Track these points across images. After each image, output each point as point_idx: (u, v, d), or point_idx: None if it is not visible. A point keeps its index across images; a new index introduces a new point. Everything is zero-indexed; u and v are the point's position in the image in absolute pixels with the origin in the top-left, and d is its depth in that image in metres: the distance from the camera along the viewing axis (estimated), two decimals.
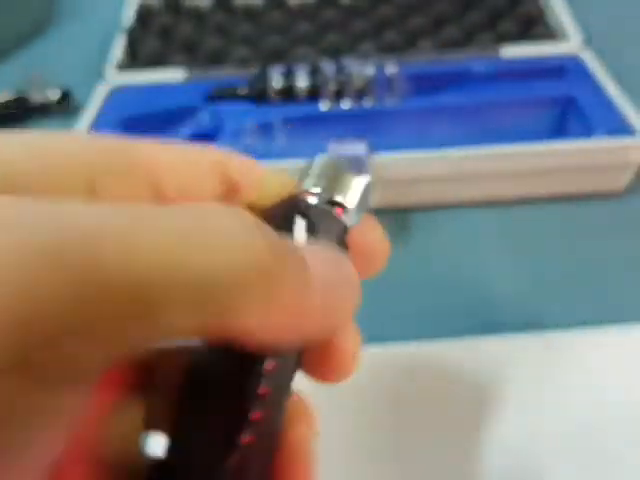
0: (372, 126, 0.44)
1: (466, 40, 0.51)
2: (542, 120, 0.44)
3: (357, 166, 0.39)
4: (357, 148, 0.40)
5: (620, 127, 0.40)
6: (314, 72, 0.46)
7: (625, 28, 0.55)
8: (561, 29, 0.51)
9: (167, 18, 0.56)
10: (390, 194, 0.41)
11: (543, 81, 0.46)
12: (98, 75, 0.50)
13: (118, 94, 0.48)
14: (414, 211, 0.41)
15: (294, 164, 0.39)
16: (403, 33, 0.52)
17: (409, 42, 0.51)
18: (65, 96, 0.52)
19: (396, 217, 0.41)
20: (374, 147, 0.40)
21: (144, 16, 0.56)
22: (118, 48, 0.53)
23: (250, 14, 0.56)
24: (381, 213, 0.40)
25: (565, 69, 0.46)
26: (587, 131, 0.41)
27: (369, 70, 0.44)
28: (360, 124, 0.44)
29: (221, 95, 0.46)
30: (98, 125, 0.45)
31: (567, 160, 0.39)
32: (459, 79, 0.47)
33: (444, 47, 0.50)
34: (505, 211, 0.40)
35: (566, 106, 0.44)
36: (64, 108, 0.52)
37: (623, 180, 0.40)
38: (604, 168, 0.39)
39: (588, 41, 0.49)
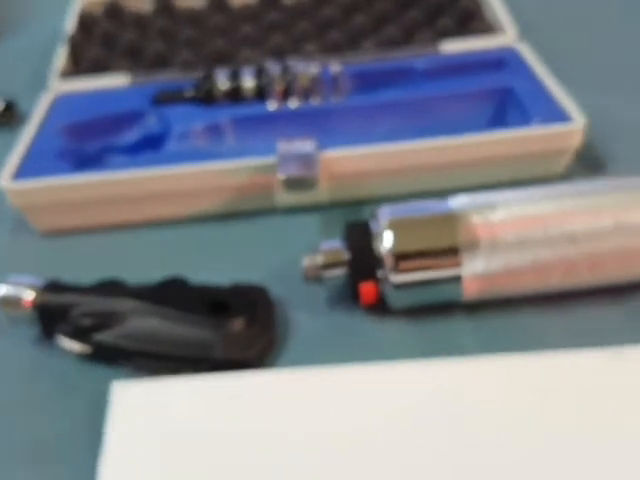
0: (319, 124, 0.45)
1: (406, 38, 0.52)
2: (482, 112, 0.46)
3: (307, 163, 0.39)
4: (306, 146, 0.40)
5: (556, 115, 0.42)
6: (260, 73, 0.46)
7: (559, 18, 0.57)
8: (497, 23, 0.52)
9: (109, 24, 0.55)
10: (340, 188, 0.41)
11: (481, 74, 0.47)
12: (43, 85, 0.50)
13: (62, 102, 0.48)
14: (364, 204, 0.42)
15: (244, 164, 0.40)
16: (346, 33, 0.53)
17: (352, 41, 0.52)
18: (9, 107, 0.52)
19: (347, 211, 0.42)
20: (322, 144, 0.41)
21: (86, 23, 0.56)
22: (61, 56, 0.52)
23: (192, 18, 0.57)
24: (332, 207, 0.42)
25: (502, 62, 0.48)
26: (525, 120, 0.42)
27: (314, 69, 0.45)
28: (307, 122, 0.45)
29: (167, 98, 0.46)
30: (43, 134, 0.45)
31: (507, 148, 0.40)
32: (401, 76, 0.48)
33: (385, 45, 0.51)
34: None
35: (504, 97, 0.45)
36: (9, 119, 0.51)
37: (562, 164, 0.42)
38: (543, 154, 0.41)
39: (523, 33, 0.51)
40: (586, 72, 0.50)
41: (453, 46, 0.50)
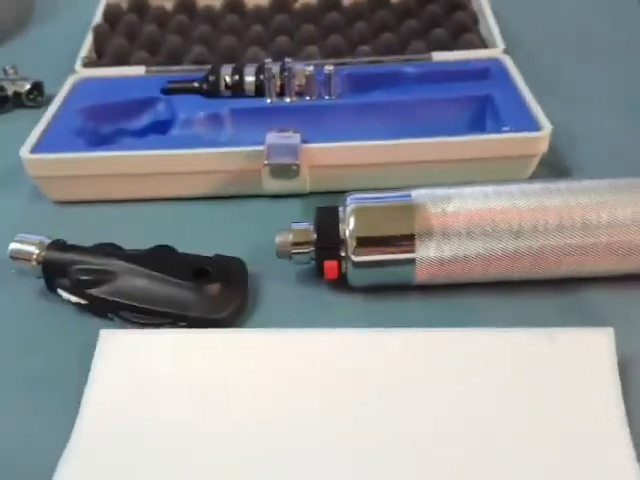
0: (311, 119, 0.49)
1: (402, 46, 0.56)
2: (463, 116, 0.49)
3: (291, 153, 0.44)
4: (292, 138, 0.45)
5: (526, 122, 0.45)
6: (260, 70, 0.50)
7: (542, 35, 0.61)
8: (489, 36, 0.56)
9: (132, 18, 0.60)
10: (321, 179, 0.46)
11: (466, 82, 0.51)
12: (70, 70, 0.55)
13: (83, 86, 0.53)
14: (343, 194, 0.45)
15: (236, 151, 0.44)
16: (346, 38, 0.57)
17: (351, 47, 0.56)
18: (35, 88, 0.57)
19: (326, 199, 0.46)
20: (309, 138, 0.45)
21: (111, 16, 0.61)
22: (86, 45, 0.57)
23: (209, 16, 0.61)
24: (313, 195, 0.46)
25: (487, 72, 0.52)
26: (499, 126, 0.46)
27: (309, 69, 0.49)
28: (300, 117, 0.49)
29: (175, 89, 0.51)
30: (64, 114, 0.50)
31: (477, 152, 0.44)
32: (392, 80, 0.52)
33: (381, 52, 0.55)
34: None
35: (484, 104, 0.49)
36: (37, 99, 0.57)
37: (528, 169, 0.46)
38: (511, 159, 0.44)
39: (509, 46, 0.54)
40: (562, 85, 0.54)
41: (444, 56, 0.54)
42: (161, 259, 0.37)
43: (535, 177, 0.46)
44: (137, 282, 0.35)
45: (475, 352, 0.32)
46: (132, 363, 0.33)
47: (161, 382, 0.32)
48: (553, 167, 0.47)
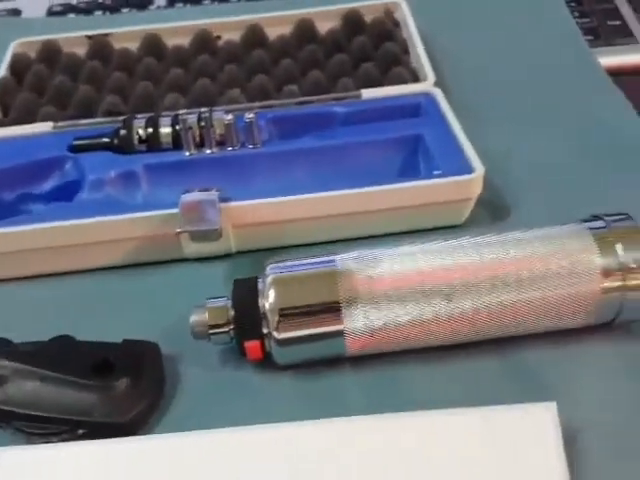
0: (235, 171, 0.46)
1: (330, 84, 0.53)
2: (395, 159, 0.46)
3: (210, 213, 0.40)
4: (209, 197, 0.41)
5: (460, 165, 0.42)
6: (176, 121, 0.47)
7: (473, 65, 0.58)
8: (419, 71, 0.54)
9: (41, 68, 0.56)
10: (246, 237, 0.42)
11: (398, 120, 0.48)
12: None
13: None
14: (273, 251, 0.42)
15: (150, 216, 0.41)
16: (273, 78, 0.54)
17: (277, 87, 0.53)
18: None
19: (256, 258, 0.42)
20: (233, 195, 0.41)
21: (18, 67, 0.56)
22: None
23: (125, 61, 0.57)
24: (242, 255, 0.42)
25: (418, 107, 0.49)
26: (432, 168, 0.43)
27: (228, 117, 0.46)
28: (223, 170, 0.46)
29: (84, 146, 0.47)
30: None
31: (407, 199, 0.41)
32: (321, 121, 0.49)
33: (310, 91, 0.52)
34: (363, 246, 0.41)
35: (416, 144, 0.46)
36: None
37: (463, 213, 0.43)
38: (443, 204, 0.42)
39: (441, 81, 0.52)
40: (498, 117, 0.51)
41: (374, 93, 0.51)
42: (58, 354, 0.33)
43: (472, 219, 0.43)
44: (29, 385, 0.31)
45: (409, 440, 0.29)
46: None
47: None
48: (490, 206, 0.44)
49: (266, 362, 0.34)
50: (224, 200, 0.41)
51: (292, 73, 0.55)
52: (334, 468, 0.29)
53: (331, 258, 0.34)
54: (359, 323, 0.33)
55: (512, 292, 0.33)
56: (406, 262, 0.33)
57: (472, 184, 0.41)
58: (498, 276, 0.32)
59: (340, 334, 0.33)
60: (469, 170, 0.42)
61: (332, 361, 0.34)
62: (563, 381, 0.33)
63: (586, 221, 0.35)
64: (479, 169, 0.41)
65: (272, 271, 0.34)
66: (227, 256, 0.43)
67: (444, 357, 0.35)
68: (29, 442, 0.31)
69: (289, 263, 0.35)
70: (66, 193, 0.45)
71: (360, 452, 0.29)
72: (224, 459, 0.29)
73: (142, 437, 0.31)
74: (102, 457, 0.29)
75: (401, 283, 0.33)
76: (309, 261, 0.35)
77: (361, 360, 0.34)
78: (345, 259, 0.34)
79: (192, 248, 0.41)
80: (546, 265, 0.32)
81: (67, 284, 0.41)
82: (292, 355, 0.34)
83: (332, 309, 0.33)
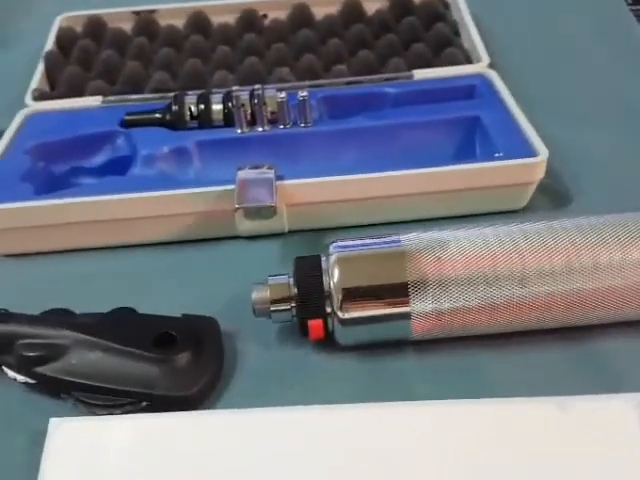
0: (286, 149, 0.45)
1: (380, 65, 0.52)
2: (450, 140, 0.45)
3: (265, 193, 0.39)
4: (265, 175, 0.40)
5: (519, 147, 0.41)
6: (228, 97, 0.46)
7: (531, 48, 0.57)
8: (472, 50, 0.52)
9: (87, 42, 0.56)
10: (300, 217, 0.41)
11: (452, 101, 0.47)
12: (21, 104, 0.50)
13: (32, 122, 0.48)
14: (325, 231, 0.41)
15: (205, 192, 0.40)
16: (321, 58, 0.53)
17: (326, 67, 0.52)
18: None
19: (308, 237, 0.42)
20: (283, 173, 0.41)
21: (64, 42, 0.56)
22: (37, 76, 0.52)
23: (171, 37, 0.57)
24: (293, 234, 0.42)
25: (473, 89, 0.48)
26: (491, 150, 0.42)
27: (281, 95, 0.45)
28: (274, 148, 0.45)
29: (135, 121, 0.46)
30: (11, 154, 0.45)
31: (469, 182, 0.40)
32: (372, 102, 0.48)
33: (359, 72, 0.51)
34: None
35: (472, 126, 0.45)
36: None
37: (525, 198, 0.42)
38: (505, 188, 0.41)
39: (495, 60, 0.50)
40: (555, 102, 0.50)
41: (426, 74, 0.50)
42: (119, 326, 0.32)
43: (532, 205, 0.42)
44: (91, 356, 0.30)
45: (483, 427, 0.28)
46: (87, 456, 0.28)
47: (120, 477, 0.28)
48: (551, 193, 0.43)
49: (327, 342, 0.34)
50: (279, 178, 0.40)
51: (340, 53, 0.54)
52: (396, 453, 0.28)
53: (397, 238, 0.33)
54: (427, 306, 0.32)
55: (588, 279, 0.31)
56: (477, 244, 0.32)
57: (535, 168, 0.40)
58: (574, 262, 0.31)
59: (407, 316, 0.32)
60: (532, 153, 0.40)
61: (395, 344, 0.34)
62: (636, 371, 0.32)
63: None
64: (543, 152, 0.40)
65: (336, 250, 0.33)
66: (278, 235, 0.42)
67: (512, 344, 0.34)
68: (90, 414, 0.30)
69: (353, 242, 0.34)
70: (118, 168, 0.44)
71: (427, 438, 0.28)
72: (283, 437, 0.29)
73: (209, 411, 0.31)
74: (169, 429, 0.28)
75: (472, 266, 0.32)
76: (374, 241, 0.34)
77: (425, 344, 0.34)
78: (411, 239, 0.33)
79: (246, 226, 0.41)
80: (624, 253, 0.31)
81: (123, 258, 0.41)
82: (355, 336, 0.33)
83: (399, 290, 0.32)
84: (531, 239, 0.32)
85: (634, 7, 0.62)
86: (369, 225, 0.42)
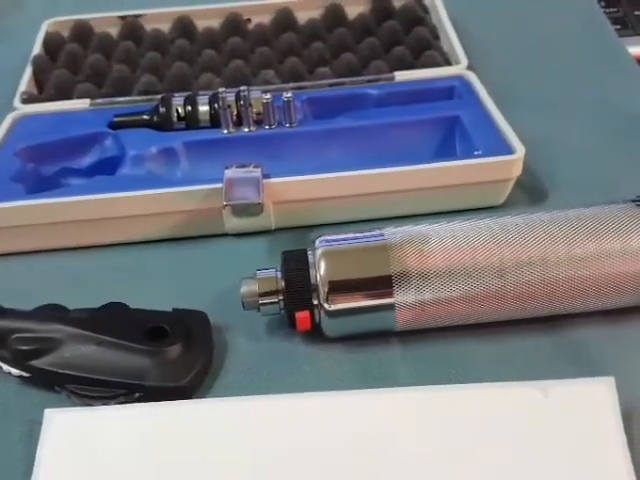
0: (271, 149, 0.46)
1: (362, 67, 0.53)
2: (431, 139, 0.47)
3: (252, 190, 0.40)
4: (252, 173, 0.41)
5: (497, 145, 0.43)
6: (215, 99, 0.47)
7: (507, 47, 0.59)
8: (451, 52, 0.54)
9: (74, 46, 0.56)
10: (286, 214, 0.42)
11: (432, 102, 0.49)
12: (9, 107, 0.50)
13: (22, 124, 0.49)
14: (311, 228, 0.43)
15: (193, 190, 0.41)
16: (304, 60, 0.54)
17: (309, 69, 0.53)
18: None
19: (294, 235, 0.43)
20: (269, 171, 0.42)
21: (51, 45, 0.57)
22: (25, 79, 0.53)
23: (157, 41, 0.58)
24: (280, 231, 0.43)
25: (452, 90, 0.50)
26: (470, 149, 0.44)
27: (266, 97, 0.46)
28: (260, 148, 0.46)
29: (123, 123, 0.47)
30: (3, 154, 0.45)
31: (448, 179, 0.42)
32: (355, 103, 0.50)
33: (342, 74, 0.53)
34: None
35: (452, 125, 0.47)
36: None
37: (503, 194, 0.43)
38: (484, 184, 0.42)
39: (473, 61, 0.52)
40: (531, 102, 0.52)
41: (407, 75, 0.51)
42: (111, 320, 0.33)
43: (510, 201, 0.44)
44: (84, 350, 0.31)
45: (467, 411, 0.29)
46: (82, 446, 0.29)
47: (116, 466, 0.28)
48: (528, 189, 0.44)
49: (314, 334, 0.35)
50: (265, 176, 0.41)
51: (323, 56, 0.55)
52: (383, 438, 0.29)
53: (380, 232, 0.35)
54: (410, 297, 0.33)
55: (564, 269, 0.33)
56: (457, 237, 0.33)
57: (513, 164, 0.41)
58: (550, 253, 0.33)
59: (391, 307, 0.33)
60: (509, 151, 0.42)
61: (380, 335, 0.35)
62: (616, 359, 0.33)
63: (634, 201, 0.35)
64: (520, 150, 0.42)
65: (322, 244, 0.34)
66: (265, 232, 0.43)
67: (494, 334, 0.35)
68: (84, 405, 0.31)
69: (338, 236, 0.35)
70: (107, 168, 0.45)
71: (412, 423, 0.29)
72: (273, 424, 0.30)
73: (200, 400, 0.32)
74: (162, 418, 0.29)
75: (453, 258, 0.33)
76: (358, 235, 0.35)
77: (410, 335, 0.35)
78: (394, 233, 0.34)
79: (233, 223, 0.42)
80: (598, 244, 0.33)
81: (114, 256, 0.41)
82: (341, 327, 0.34)
83: (383, 282, 0.33)
84: (509, 231, 0.34)
85: (607, 10, 0.64)
86: (353, 222, 0.43)
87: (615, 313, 0.35)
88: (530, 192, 0.44)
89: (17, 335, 0.32)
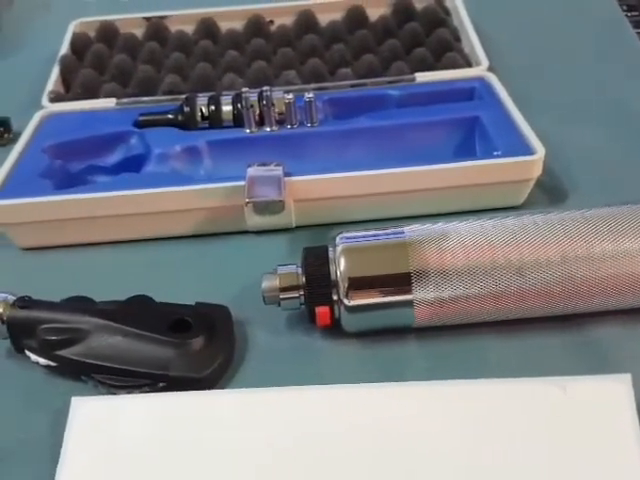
0: (293, 148, 0.47)
1: (383, 68, 0.54)
2: (451, 140, 0.47)
3: (273, 188, 0.41)
4: (274, 171, 0.42)
5: (517, 146, 0.43)
6: (238, 99, 0.48)
7: (528, 49, 0.59)
8: (472, 54, 0.54)
9: (100, 46, 0.58)
10: (307, 212, 0.43)
11: (452, 103, 0.49)
12: (38, 106, 0.52)
13: (49, 123, 0.50)
14: (331, 226, 0.43)
15: (216, 188, 0.42)
16: (326, 62, 0.55)
17: (331, 70, 0.54)
18: (1, 125, 0.54)
19: (315, 233, 0.43)
20: (290, 170, 0.42)
21: (78, 46, 0.58)
22: (52, 78, 0.54)
23: (181, 42, 0.59)
24: (301, 229, 0.43)
25: (473, 91, 0.50)
26: (490, 149, 0.44)
27: (289, 96, 0.47)
28: (281, 147, 0.47)
29: (148, 122, 0.48)
30: (30, 153, 0.47)
31: (468, 178, 0.42)
32: (376, 103, 0.50)
33: (363, 75, 0.53)
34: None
35: (472, 126, 0.47)
36: (3, 137, 0.53)
37: (522, 195, 0.43)
38: (504, 185, 0.42)
39: (494, 63, 0.52)
40: (551, 103, 0.52)
41: (428, 77, 0.52)
42: (137, 312, 0.34)
43: (529, 201, 0.44)
44: (110, 340, 0.32)
45: (485, 406, 0.30)
46: (107, 433, 0.30)
47: (139, 453, 0.29)
48: (548, 190, 0.45)
49: (333, 329, 0.35)
50: (287, 175, 0.42)
51: (345, 57, 0.56)
52: (399, 431, 0.29)
53: (400, 230, 0.35)
54: (429, 294, 0.33)
55: (583, 268, 0.33)
56: (477, 236, 0.34)
57: (533, 165, 0.42)
58: (569, 252, 0.33)
59: (409, 304, 0.34)
60: (530, 151, 0.42)
61: (398, 331, 0.35)
62: (633, 358, 0.33)
63: None
64: (540, 150, 0.42)
65: (342, 240, 0.35)
66: (286, 230, 0.44)
67: (511, 331, 0.35)
68: (110, 394, 0.32)
69: (358, 234, 0.35)
70: (132, 166, 0.46)
71: (430, 417, 0.30)
72: (292, 414, 0.30)
73: (222, 390, 0.33)
74: (184, 407, 0.30)
75: (472, 256, 0.33)
76: (378, 232, 0.35)
77: (427, 331, 0.35)
78: (414, 231, 0.35)
79: (255, 221, 0.43)
80: (616, 243, 0.33)
81: (139, 251, 0.43)
82: (360, 323, 0.35)
83: (402, 279, 0.33)
84: (528, 230, 0.34)
85: (629, 13, 0.64)
86: (373, 220, 0.43)
87: (632, 312, 0.35)
88: (550, 193, 0.44)
89: (45, 326, 0.33)
